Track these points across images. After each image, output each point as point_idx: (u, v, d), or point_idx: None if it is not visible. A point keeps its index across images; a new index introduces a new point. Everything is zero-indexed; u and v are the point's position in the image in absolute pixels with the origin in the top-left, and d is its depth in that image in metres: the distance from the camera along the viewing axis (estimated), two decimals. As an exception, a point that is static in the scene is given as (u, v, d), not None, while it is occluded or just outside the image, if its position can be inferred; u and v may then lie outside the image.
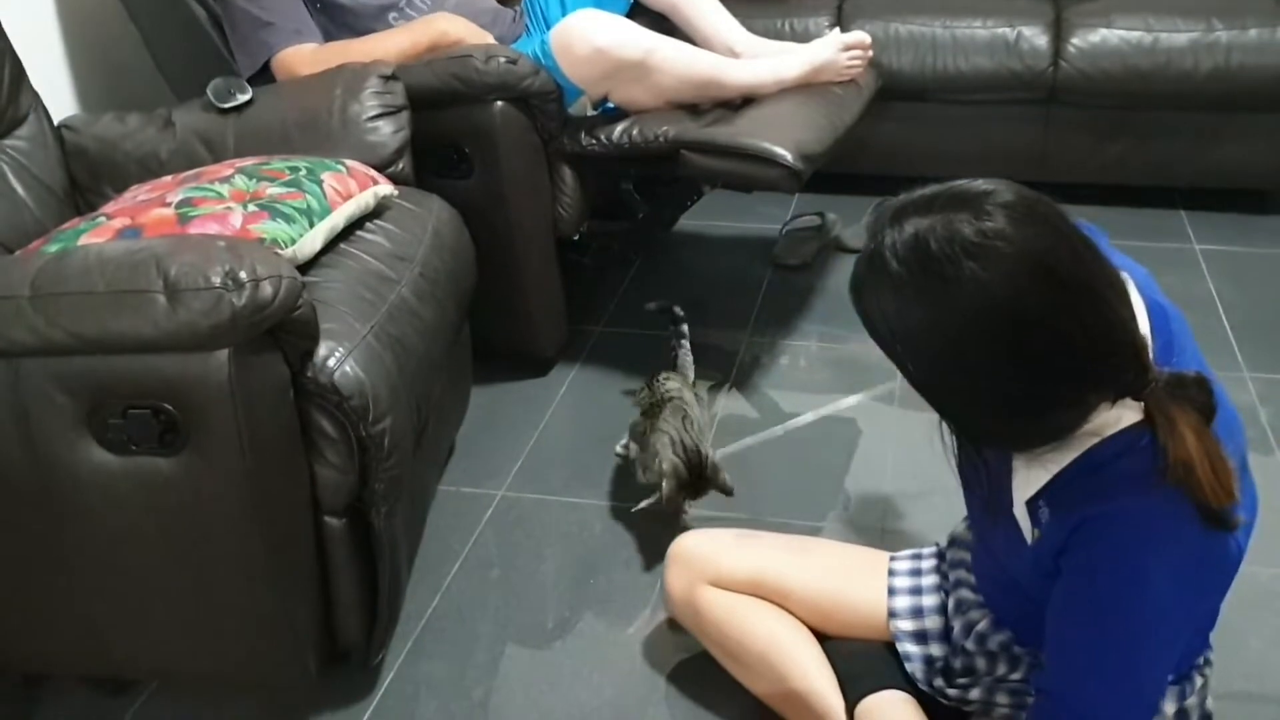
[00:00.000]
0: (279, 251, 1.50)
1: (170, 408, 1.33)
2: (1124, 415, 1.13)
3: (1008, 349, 1.08)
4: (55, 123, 1.98)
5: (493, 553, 1.93)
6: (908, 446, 2.13)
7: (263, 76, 2.20)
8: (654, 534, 1.94)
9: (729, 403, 2.32)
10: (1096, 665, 1.16)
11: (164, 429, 1.34)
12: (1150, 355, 1.12)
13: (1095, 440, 1.14)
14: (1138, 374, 1.10)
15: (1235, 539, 1.15)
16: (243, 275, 1.30)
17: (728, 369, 2.43)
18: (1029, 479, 1.22)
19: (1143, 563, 1.12)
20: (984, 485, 1.29)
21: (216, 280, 1.29)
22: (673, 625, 1.72)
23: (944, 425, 1.24)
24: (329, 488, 1.50)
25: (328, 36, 2.28)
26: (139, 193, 1.68)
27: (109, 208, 1.64)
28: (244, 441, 1.35)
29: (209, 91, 1.96)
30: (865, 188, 2.87)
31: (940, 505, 1.92)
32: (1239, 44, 2.80)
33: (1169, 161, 2.97)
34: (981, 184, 1.12)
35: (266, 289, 1.32)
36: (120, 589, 1.47)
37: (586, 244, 2.46)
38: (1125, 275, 1.16)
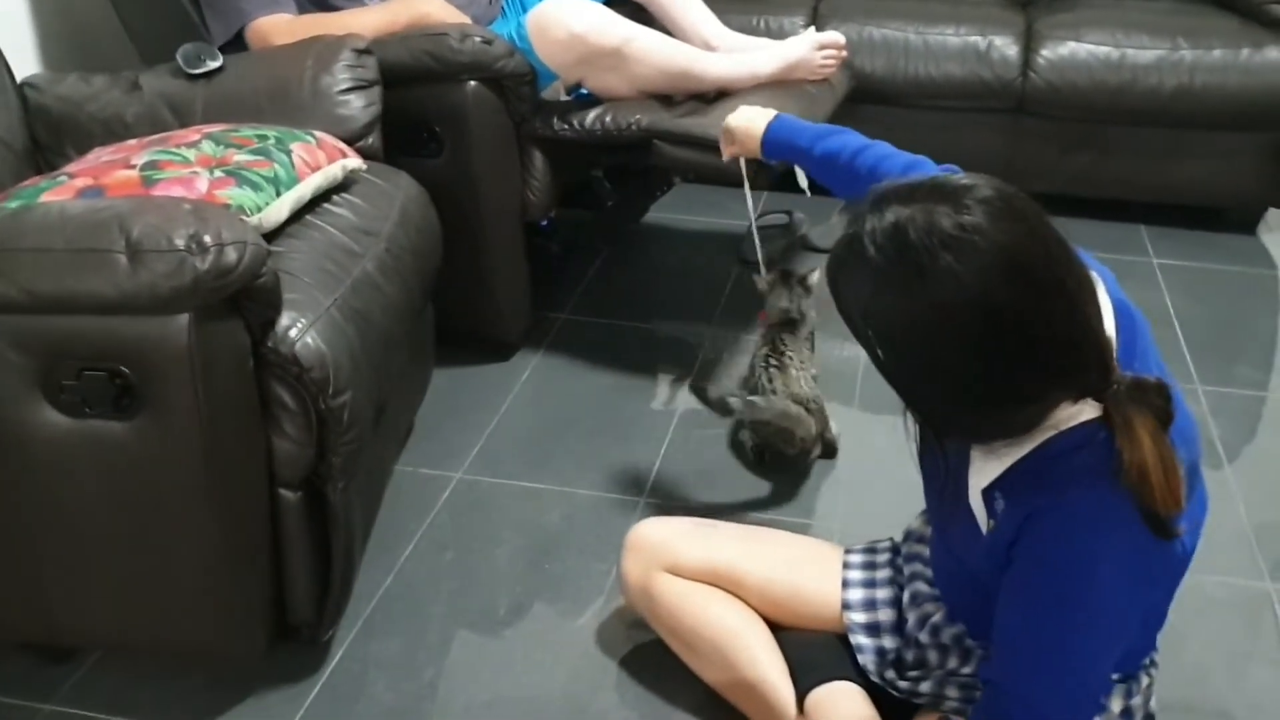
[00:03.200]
0: (244, 218, 1.48)
1: (127, 371, 1.31)
2: (1083, 410, 1.14)
3: (976, 342, 1.09)
4: (18, 80, 1.94)
5: (448, 535, 1.91)
6: (865, 442, 2.14)
7: (235, 45, 2.17)
8: (610, 521, 1.95)
9: (690, 397, 2.32)
10: (1042, 656, 1.17)
11: (119, 392, 1.32)
12: (1114, 356, 1.13)
13: (1053, 433, 1.16)
14: (1101, 375, 1.11)
15: (1182, 540, 1.16)
16: (207, 239, 1.28)
17: (690, 362, 2.43)
18: (985, 469, 1.23)
19: (1090, 554, 1.13)
20: (942, 475, 1.30)
21: (180, 243, 1.27)
22: (626, 613, 1.72)
23: (908, 414, 1.25)
24: (286, 460, 1.48)
25: (300, 11, 2.25)
26: (102, 154, 1.66)
27: (71, 167, 1.61)
28: (201, 408, 1.33)
29: (178, 56, 1.93)
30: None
31: (895, 500, 1.92)
32: (1203, 64, 2.84)
33: (1131, 176, 3.00)
34: (964, 178, 1.13)
35: (230, 254, 1.30)
36: (66, 553, 1.44)
37: (554, 230, 2.45)
38: (1094, 275, 1.17)
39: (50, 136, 1.90)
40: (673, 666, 1.60)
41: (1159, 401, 1.11)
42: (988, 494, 1.23)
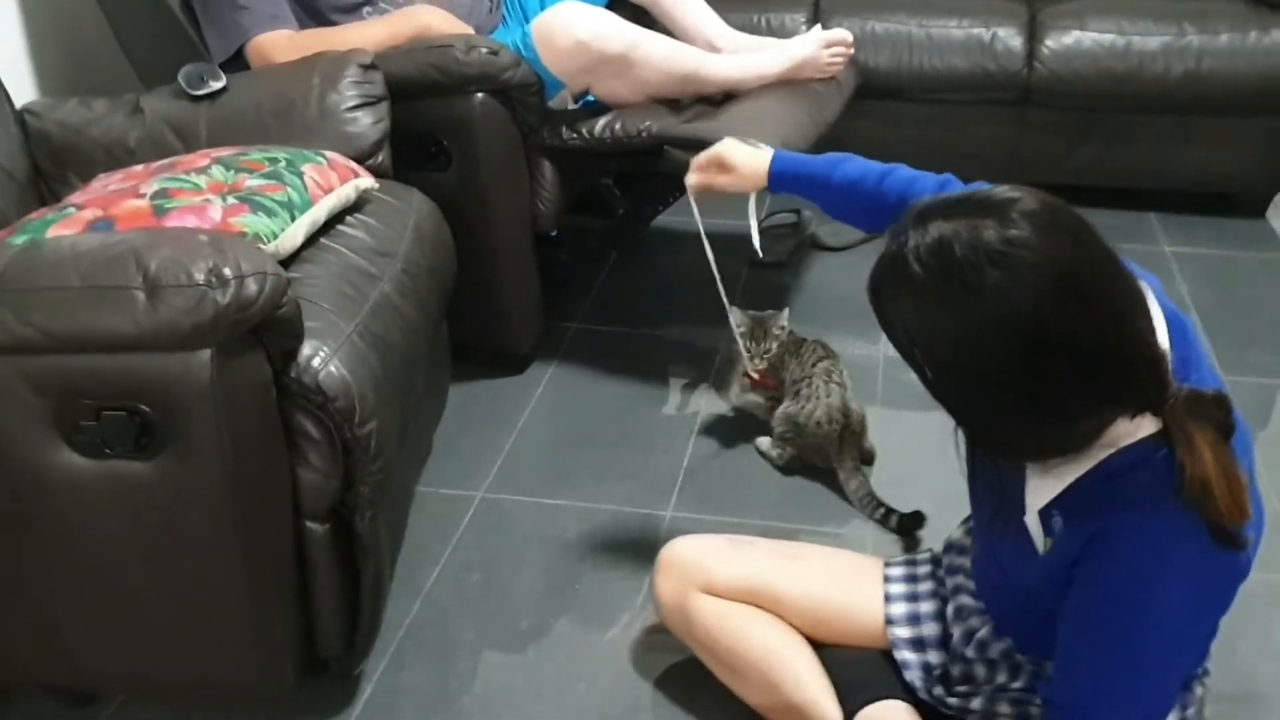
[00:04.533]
0: (261, 246, 1.44)
1: (147, 409, 1.27)
2: (1141, 426, 1.11)
3: (1027, 359, 1.06)
4: (17, 107, 1.90)
5: (474, 557, 1.88)
6: (894, 447, 2.11)
7: (235, 63, 2.13)
8: (637, 537, 1.91)
9: (709, 403, 2.28)
10: (1108, 677, 1.15)
11: (139, 431, 1.28)
12: (1169, 370, 1.10)
13: (1111, 450, 1.13)
14: (1157, 389, 1.08)
15: (1246, 554, 1.13)
16: (227, 271, 1.24)
17: (706, 367, 2.39)
18: (1042, 487, 1.20)
19: (1157, 576, 1.10)
20: (995, 493, 1.27)
21: (199, 277, 1.23)
22: (659, 630, 1.69)
23: (958, 432, 1.22)
24: (311, 492, 1.44)
25: (301, 28, 2.21)
26: (109, 182, 1.62)
27: (78, 198, 1.57)
28: (225, 444, 1.29)
29: (180, 78, 1.89)
30: (840, 186, 2.85)
31: (929, 508, 1.90)
32: (1210, 49, 2.81)
33: (1139, 164, 2.97)
34: (1006, 191, 1.10)
35: (251, 286, 1.26)
36: (90, 597, 1.41)
37: (563, 239, 2.41)
38: (1144, 285, 1.14)
39: (52, 164, 1.86)
40: (710, 685, 1.56)
41: (1219, 413, 1.08)
42: (1044, 513, 1.20)
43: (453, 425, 2.15)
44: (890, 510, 1.92)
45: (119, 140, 1.86)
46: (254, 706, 1.59)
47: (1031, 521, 1.23)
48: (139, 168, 1.67)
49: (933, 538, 1.57)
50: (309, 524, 1.47)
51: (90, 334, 1.23)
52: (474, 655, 1.68)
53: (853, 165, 1.52)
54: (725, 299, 2.01)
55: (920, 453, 2.09)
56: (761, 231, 2.87)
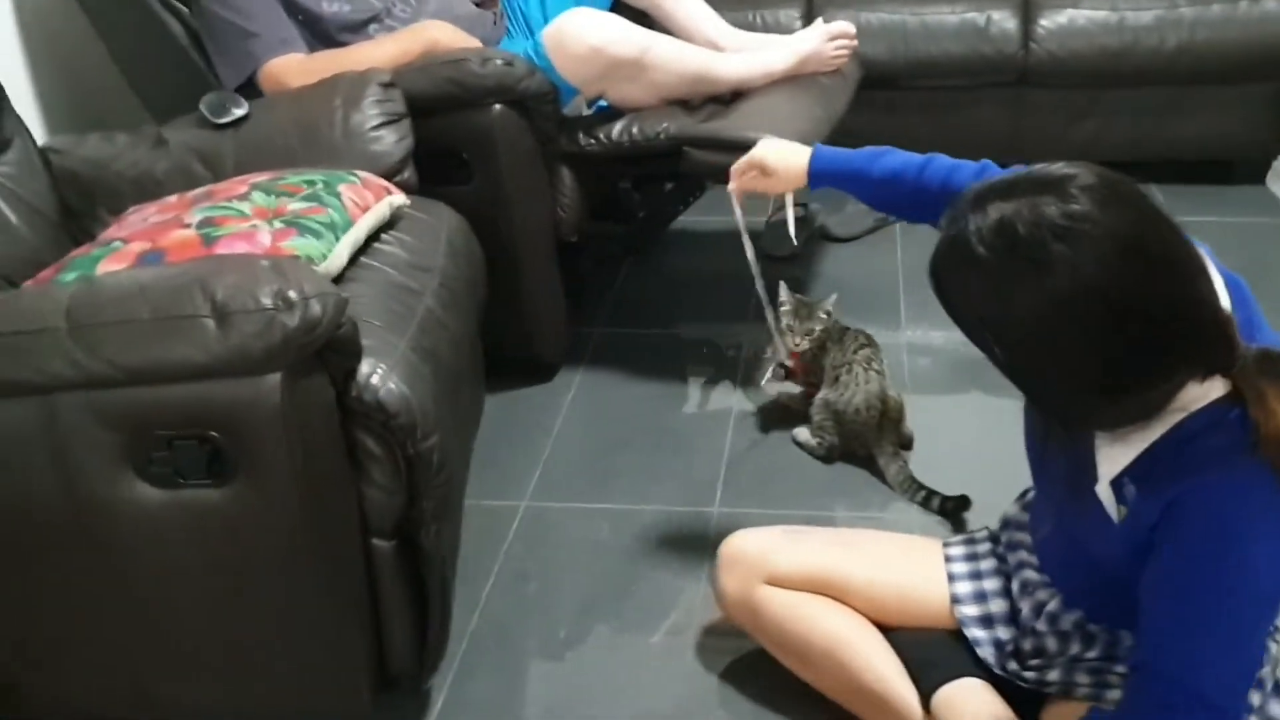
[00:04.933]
0: (315, 269, 1.45)
1: (217, 436, 1.27)
2: (1211, 389, 1.13)
3: (1098, 330, 1.07)
4: (39, 145, 1.90)
5: (526, 566, 1.88)
6: (934, 429, 2.12)
7: (247, 90, 2.13)
8: (686, 535, 1.92)
9: (740, 399, 2.30)
10: (1198, 639, 1.16)
11: (210, 459, 1.29)
12: (1237, 330, 1.12)
13: (1182, 415, 1.14)
14: (1226, 350, 1.10)
15: None
16: (292, 295, 1.25)
17: (733, 363, 2.41)
18: (1114, 456, 1.21)
19: (1240, 534, 1.12)
20: (1065, 466, 1.28)
21: (267, 301, 1.23)
22: (721, 625, 1.70)
23: (1027, 408, 1.23)
24: (377, 509, 1.45)
25: (308, 49, 2.21)
26: (146, 214, 1.62)
27: (119, 232, 1.57)
28: (296, 467, 1.30)
29: (203, 107, 1.89)
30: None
31: (972, 488, 1.92)
32: (1203, 19, 2.85)
33: (1139, 137, 3.00)
34: (1062, 167, 1.12)
35: (315, 307, 1.27)
36: (165, 628, 1.41)
37: (586, 245, 2.42)
38: (1201, 252, 1.16)
39: (81, 200, 1.86)
40: (780, 676, 1.57)
41: None
42: (1116, 483, 1.21)
43: (489, 436, 2.15)
44: (932, 493, 1.94)
45: (146, 173, 1.86)
46: (330, 728, 1.59)
47: (1103, 491, 1.24)
48: (173, 198, 1.67)
49: (973, 518, 1.58)
50: (376, 541, 1.47)
51: (163, 364, 1.23)
52: (540, 662, 1.69)
53: (892, 158, 1.54)
54: (763, 292, 2.02)
55: (948, 436, 2.11)
56: (771, 225, 2.91)
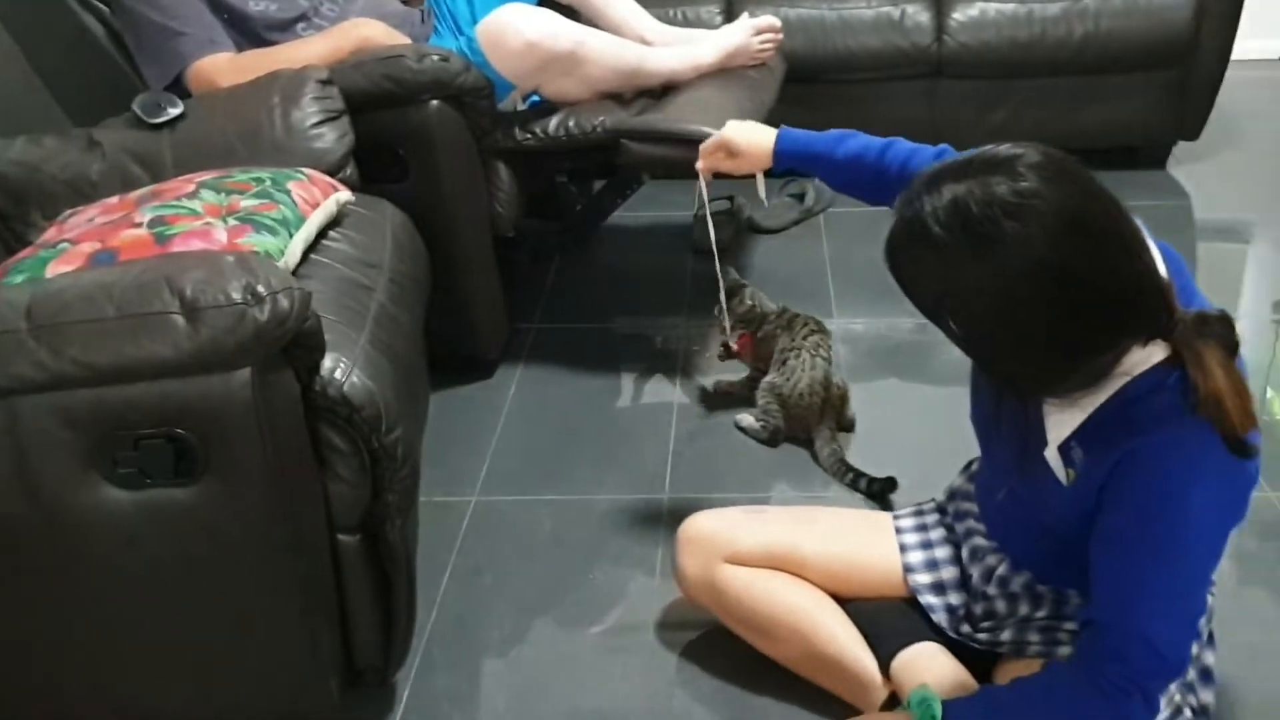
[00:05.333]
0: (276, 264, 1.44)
1: (185, 434, 1.27)
2: (1152, 354, 1.19)
3: (1050, 300, 1.13)
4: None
5: (481, 560, 1.89)
6: (865, 413, 2.18)
7: (173, 90, 2.10)
8: (639, 522, 1.95)
9: (681, 388, 2.33)
10: (1147, 588, 1.22)
11: (177, 457, 1.28)
12: (1175, 297, 1.19)
13: (1126, 379, 1.21)
14: (1167, 315, 1.17)
15: (1255, 462, 1.22)
16: (261, 289, 1.25)
17: (672, 354, 2.44)
18: (1061, 422, 1.27)
19: (1186, 486, 1.18)
20: (1015, 434, 1.34)
21: (237, 296, 1.23)
22: (681, 607, 1.73)
23: (976, 381, 1.28)
24: (342, 504, 1.45)
25: (236, 49, 2.19)
26: (88, 215, 1.59)
27: (62, 234, 1.54)
28: (269, 463, 1.29)
29: (136, 107, 1.86)
30: (766, 170, 2.92)
31: (911, 465, 1.98)
32: (1106, 10, 2.97)
33: (1048, 125, 3.11)
34: (1010, 147, 1.17)
35: (284, 301, 1.26)
36: (131, 630, 1.38)
37: (522, 240, 2.44)
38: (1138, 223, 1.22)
39: (12, 204, 1.81)
40: (742, 654, 1.61)
41: (1224, 331, 1.17)
42: (1064, 447, 1.27)
43: (433, 434, 2.15)
44: (860, 474, 1.99)
45: (80, 175, 1.82)
46: (298, 725, 1.59)
47: (1052, 456, 1.30)
48: (114, 200, 1.65)
49: (915, 489, 1.64)
50: (341, 536, 1.47)
51: (131, 363, 1.21)
52: (504, 653, 1.70)
53: (855, 141, 1.58)
54: (719, 269, 2.08)
55: (879, 419, 2.18)
56: (698, 220, 2.95)
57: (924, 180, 1.18)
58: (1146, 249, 1.18)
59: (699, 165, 1.76)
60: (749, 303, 2.18)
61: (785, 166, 1.68)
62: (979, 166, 1.15)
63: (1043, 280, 1.12)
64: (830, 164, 1.60)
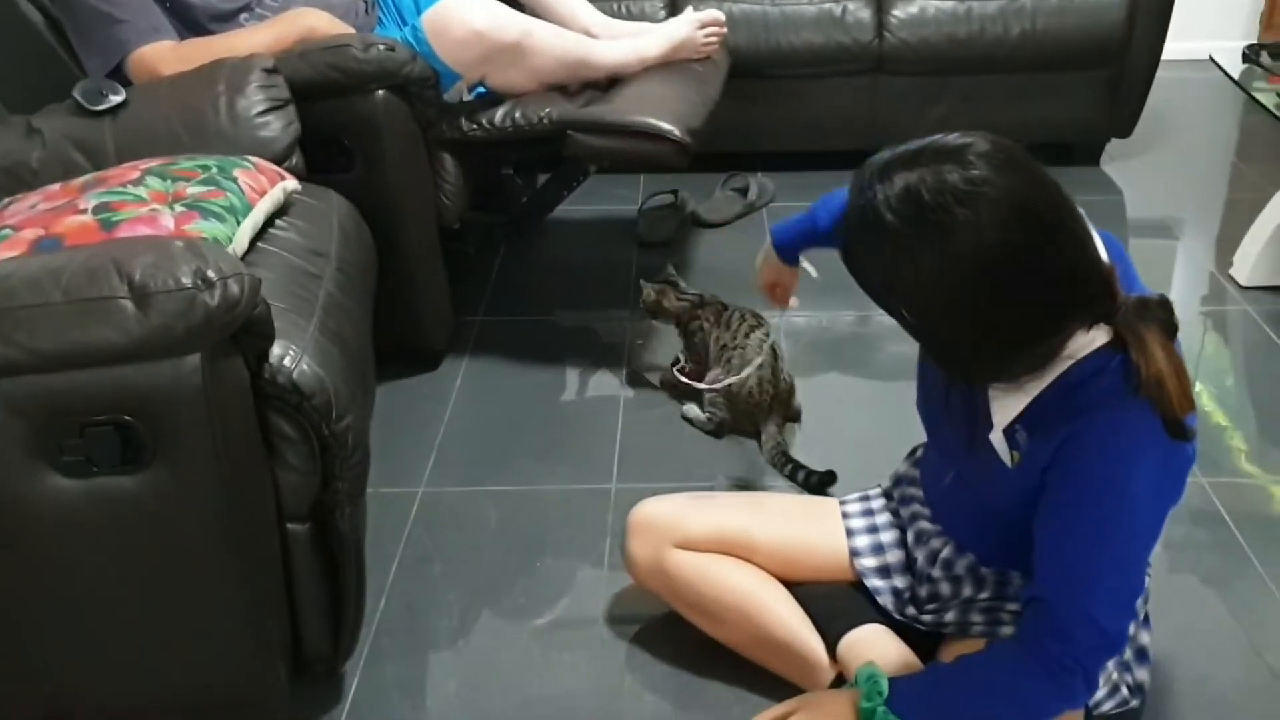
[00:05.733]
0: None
1: (133, 421, 1.25)
2: (1095, 339, 1.23)
3: (999, 286, 1.16)
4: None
5: (429, 550, 1.89)
6: (810, 405, 2.21)
7: (113, 78, 2.07)
8: (587, 511, 1.96)
9: (627, 379, 2.34)
10: (1088, 566, 1.25)
11: (125, 445, 1.27)
12: (1117, 281, 1.22)
13: (1069, 363, 1.24)
14: (1109, 300, 1.20)
15: (1192, 444, 1.26)
16: (211, 274, 1.24)
17: (617, 345, 2.46)
18: (1007, 406, 1.30)
19: (1127, 466, 1.22)
20: (962, 420, 1.37)
21: (187, 280, 1.22)
22: (630, 595, 1.74)
23: (925, 368, 1.31)
24: (292, 492, 1.44)
25: (179, 38, 2.16)
26: (30, 202, 1.56)
27: (6, 220, 1.51)
28: (219, 451, 1.29)
29: (77, 95, 1.84)
30: (709, 165, 2.96)
31: (856, 453, 2.02)
32: (1042, 9, 3.03)
33: (987, 122, 2.99)
34: (959, 137, 1.19)
35: (234, 287, 1.26)
36: (79, 623, 1.37)
37: (466, 233, 2.43)
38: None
39: (-51, 192, 1.78)
40: (692, 640, 1.63)
41: (1164, 314, 1.21)
42: (1009, 430, 1.30)
43: (379, 425, 2.09)
44: (799, 466, 2.01)
45: (20, 162, 1.79)
46: (248, 715, 1.57)
47: (997, 439, 1.33)
48: (56, 187, 1.62)
49: (861, 476, 1.67)
50: (290, 525, 1.47)
51: (79, 348, 1.20)
52: (453, 642, 1.71)
53: (828, 203, 1.62)
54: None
55: (824, 410, 2.22)
56: (644, 213, 2.97)
57: (876, 169, 1.19)
58: (1090, 235, 1.21)
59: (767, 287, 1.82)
60: (684, 300, 2.19)
61: (790, 251, 1.73)
62: (930, 155, 1.17)
63: (992, 265, 1.14)
64: (819, 235, 1.64)
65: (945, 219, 1.13)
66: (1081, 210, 1.30)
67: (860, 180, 1.20)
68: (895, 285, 1.21)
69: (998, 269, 1.14)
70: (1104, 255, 1.24)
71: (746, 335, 2.12)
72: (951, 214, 1.13)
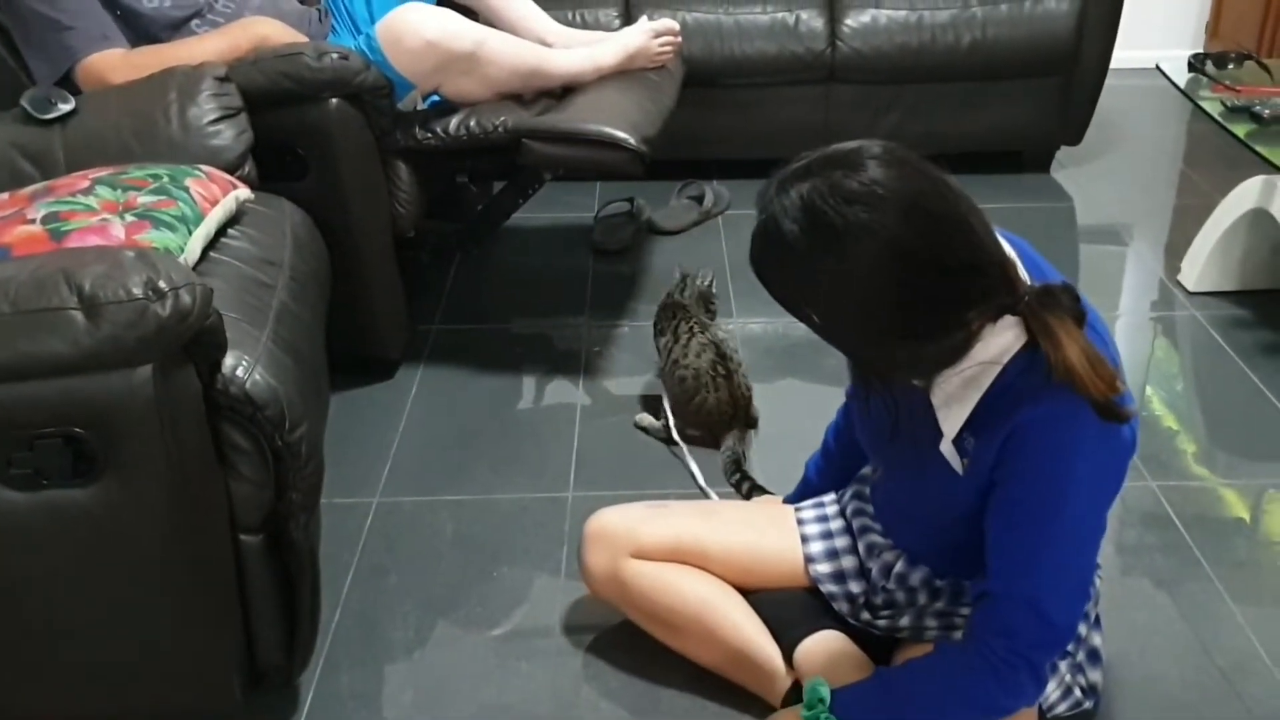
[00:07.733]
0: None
1: (83, 433, 1.24)
2: (1017, 342, 1.25)
3: (898, 281, 1.17)
4: None
5: (384, 560, 1.88)
6: (767, 413, 2.22)
7: (62, 86, 2.05)
8: (544, 520, 1.96)
9: (583, 389, 2.35)
10: (1038, 555, 1.27)
11: (75, 457, 1.25)
12: (1018, 272, 1.25)
13: (998, 369, 1.26)
14: (1009, 290, 1.23)
15: (1131, 428, 1.28)
16: (162, 284, 1.23)
17: (574, 353, 2.46)
18: (953, 416, 1.32)
19: (1069, 453, 1.24)
20: (913, 436, 1.38)
21: (138, 291, 1.21)
22: (587, 604, 1.75)
23: (853, 381, 1.33)
24: (245, 504, 1.43)
25: (129, 46, 2.14)
26: (-23, 212, 1.55)
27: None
28: (171, 463, 1.28)
29: (25, 103, 1.81)
30: (664, 173, 2.98)
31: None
32: (993, 18, 3.07)
33: (937, 130, 3.21)
34: (849, 144, 1.22)
35: (186, 297, 1.25)
36: (27, 638, 1.35)
37: (421, 241, 2.43)
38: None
39: (-107, 201, 1.75)
40: (648, 649, 1.63)
41: (1068, 301, 1.23)
42: (958, 440, 1.32)
43: (334, 435, 2.11)
44: (745, 478, 2.01)
45: (-35, 171, 1.77)
46: (201, 729, 1.56)
47: (947, 449, 1.35)
48: (4, 196, 1.60)
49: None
50: (244, 536, 1.45)
51: (29, 360, 1.19)
52: (409, 653, 1.70)
53: (814, 457, 1.76)
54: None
55: (780, 419, 2.23)
56: (601, 220, 2.98)
57: (774, 184, 1.22)
58: (987, 227, 1.23)
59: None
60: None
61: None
62: (822, 163, 1.20)
63: (890, 262, 1.16)
64: (815, 485, 1.74)
65: (840, 222, 1.16)
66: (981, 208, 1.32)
67: (762, 197, 1.23)
68: (801, 292, 1.23)
69: (895, 265, 1.16)
70: (1007, 248, 1.27)
71: (698, 356, 2.12)
72: (845, 217, 1.15)
